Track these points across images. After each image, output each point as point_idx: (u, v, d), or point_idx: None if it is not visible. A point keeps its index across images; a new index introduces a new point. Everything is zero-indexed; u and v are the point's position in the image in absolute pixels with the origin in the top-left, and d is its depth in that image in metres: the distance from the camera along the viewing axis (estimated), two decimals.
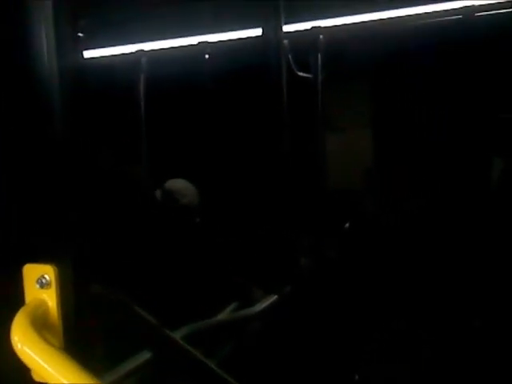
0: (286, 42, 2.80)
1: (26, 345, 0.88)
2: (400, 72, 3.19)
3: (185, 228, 2.84)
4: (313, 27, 3.20)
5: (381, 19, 3.13)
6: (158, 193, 2.94)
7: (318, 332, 2.56)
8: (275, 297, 2.31)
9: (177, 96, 3.52)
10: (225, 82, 3.34)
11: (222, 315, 2.08)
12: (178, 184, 2.97)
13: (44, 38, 0.97)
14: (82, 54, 2.65)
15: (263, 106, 2.68)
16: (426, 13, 3.04)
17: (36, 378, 0.94)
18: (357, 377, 2.68)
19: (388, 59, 3.12)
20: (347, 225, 3.28)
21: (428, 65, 3.11)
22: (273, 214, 2.69)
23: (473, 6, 3.01)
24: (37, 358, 0.87)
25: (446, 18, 3.01)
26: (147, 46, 3.72)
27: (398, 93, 3.28)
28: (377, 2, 3.08)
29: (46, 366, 0.86)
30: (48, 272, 0.94)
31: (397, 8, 3.07)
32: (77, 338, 0.95)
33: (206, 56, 3.51)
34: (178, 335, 1.57)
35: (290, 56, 2.91)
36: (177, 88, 3.44)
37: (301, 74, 3.04)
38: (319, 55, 3.05)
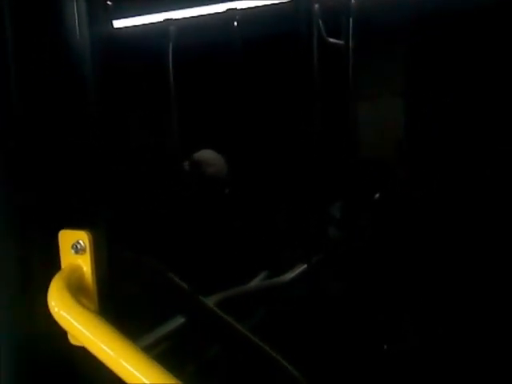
0: (316, 6, 2.73)
1: (63, 309, 0.89)
2: (436, 39, 3.08)
3: (214, 198, 2.85)
4: None
5: None
6: (186, 164, 2.95)
7: (347, 301, 2.56)
8: (305, 266, 2.32)
9: (206, 65, 3.49)
10: (254, 50, 3.29)
11: (253, 283, 2.10)
12: (205, 154, 2.98)
13: (75, 7, 0.96)
14: (111, 24, 2.64)
15: (293, 73, 2.63)
16: None
17: (73, 341, 0.95)
18: (385, 346, 2.68)
19: (423, 25, 3.01)
20: (377, 195, 3.24)
21: (465, 32, 3.00)
22: (303, 184, 2.67)
23: None
24: (73, 322, 0.88)
25: None
26: (175, 15, 3.68)
27: (433, 61, 3.18)
28: None
29: (82, 329, 0.88)
30: (83, 238, 0.95)
31: None
32: (111, 302, 0.96)
33: (235, 23, 3.45)
34: (210, 302, 1.58)
35: (320, 21, 2.84)
36: (206, 57, 3.41)
37: (332, 40, 2.97)
38: (351, 20, 2.97)
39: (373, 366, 2.32)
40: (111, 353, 0.86)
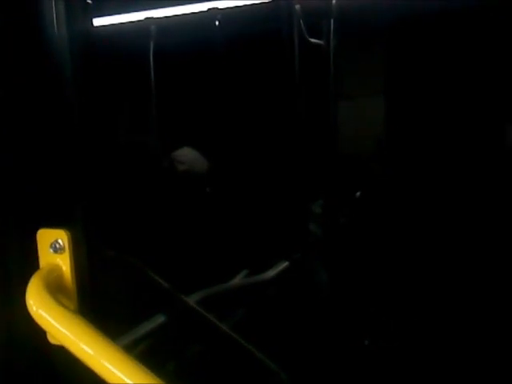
0: (297, 6, 2.74)
1: (42, 308, 0.89)
2: (415, 39, 3.12)
3: (195, 196, 2.84)
4: None
5: None
6: (166, 162, 2.94)
7: (328, 298, 2.58)
8: (286, 263, 2.33)
9: (187, 63, 3.48)
10: (236, 49, 3.30)
11: (234, 281, 2.10)
12: (184, 152, 2.97)
13: (53, 5, 0.96)
14: (91, 22, 2.62)
15: (274, 73, 2.64)
16: None
17: (51, 340, 0.95)
18: (367, 342, 2.70)
19: (403, 25, 3.05)
20: (358, 193, 3.27)
21: (443, 32, 3.03)
22: (285, 182, 2.69)
23: None
24: (52, 321, 0.88)
25: None
26: (156, 13, 3.66)
27: (412, 60, 3.22)
28: None
29: (61, 328, 0.88)
30: (61, 236, 0.95)
31: None
32: (91, 301, 0.96)
33: (217, 22, 3.45)
34: (191, 300, 1.58)
35: (301, 21, 2.85)
36: (187, 55, 3.41)
37: (313, 40, 2.98)
38: (332, 21, 2.99)
39: (354, 361, 2.35)
40: (91, 352, 0.86)
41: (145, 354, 1.28)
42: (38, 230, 0.96)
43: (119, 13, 3.70)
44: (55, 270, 0.96)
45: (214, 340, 1.47)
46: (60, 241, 0.96)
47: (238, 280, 2.09)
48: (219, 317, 1.55)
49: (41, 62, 0.97)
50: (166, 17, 3.64)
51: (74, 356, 0.86)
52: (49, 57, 0.97)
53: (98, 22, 3.54)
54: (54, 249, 0.96)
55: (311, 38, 3.02)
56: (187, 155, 2.92)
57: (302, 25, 2.90)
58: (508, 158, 3.04)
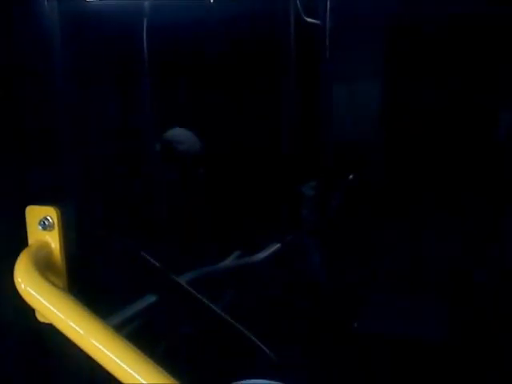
0: None
1: (30, 285, 0.87)
2: (415, 22, 3.08)
3: (187, 177, 2.82)
4: None
5: None
6: (157, 144, 2.90)
7: (319, 280, 2.59)
8: (278, 245, 2.32)
9: (181, 42, 3.43)
10: (230, 28, 3.25)
11: (226, 262, 2.10)
12: (175, 132, 2.92)
13: None
14: None
15: (269, 53, 2.61)
16: None
17: (40, 318, 0.94)
18: (356, 324, 2.72)
19: (404, 7, 3.01)
20: (351, 176, 3.26)
21: (448, 18, 3.00)
22: (276, 164, 2.67)
23: None
24: (40, 299, 0.87)
25: None
26: None
27: (410, 44, 3.18)
28: None
29: (49, 306, 0.86)
30: (51, 213, 0.93)
31: None
32: (80, 279, 0.95)
33: (211, 0, 3.40)
34: (182, 280, 1.58)
35: (297, 0, 2.81)
36: (180, 33, 3.35)
37: (309, 19, 2.94)
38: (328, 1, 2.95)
39: (343, 344, 2.36)
40: (80, 331, 0.84)
41: (135, 333, 1.27)
42: (26, 206, 0.94)
43: None
44: (44, 247, 0.94)
45: (206, 321, 1.47)
46: (49, 218, 0.94)
47: (229, 261, 2.09)
48: (211, 298, 1.55)
49: (31, 36, 0.94)
50: None
51: (64, 335, 0.85)
52: (39, 30, 0.95)
53: None
54: (43, 226, 0.94)
55: (307, 17, 2.98)
56: (186, 134, 2.88)
57: (298, 3, 2.86)
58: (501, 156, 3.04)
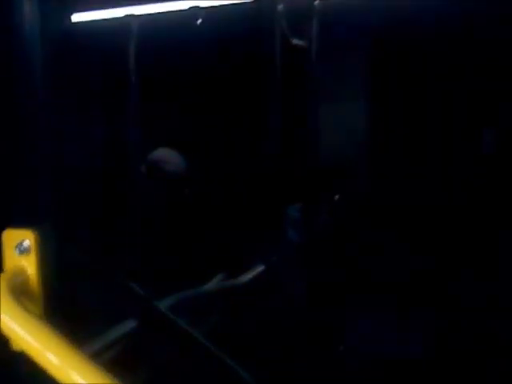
0: (280, 7, 2.72)
1: (5, 312, 0.85)
2: (398, 41, 3.12)
3: (173, 199, 2.80)
4: None
5: None
6: (143, 166, 2.88)
7: (304, 303, 2.56)
8: (262, 267, 2.30)
9: (168, 62, 3.44)
10: (217, 49, 3.27)
11: (209, 285, 2.07)
12: (161, 153, 2.91)
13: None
14: (69, 17, 2.56)
15: (256, 73, 2.62)
16: None
17: (15, 347, 0.91)
18: (342, 347, 2.69)
19: (386, 30, 3.05)
20: (337, 197, 3.26)
21: (428, 40, 3.05)
22: (262, 185, 2.66)
23: None
24: (16, 327, 0.84)
25: None
26: (137, 10, 3.62)
27: (394, 66, 3.22)
28: None
29: (25, 335, 0.84)
30: (28, 237, 0.91)
31: None
32: (57, 305, 0.92)
33: (198, 21, 3.42)
34: (163, 305, 1.55)
35: (284, 22, 2.84)
36: (168, 54, 3.36)
37: (295, 41, 2.97)
38: (314, 22, 2.98)
39: (328, 367, 2.34)
40: (56, 361, 0.82)
41: (114, 360, 1.24)
42: (2, 230, 0.92)
43: (100, 8, 3.64)
44: (20, 273, 0.91)
45: (187, 347, 1.44)
46: (26, 242, 0.91)
47: (212, 284, 2.06)
48: (193, 322, 1.52)
49: (12, 57, 0.92)
50: (148, 14, 3.60)
51: (39, 364, 0.82)
52: (21, 48, 0.93)
53: (77, 17, 3.48)
54: (20, 250, 0.91)
55: (294, 39, 3.01)
56: (171, 155, 2.87)
57: (285, 26, 2.88)
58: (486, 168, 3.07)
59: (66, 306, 0.94)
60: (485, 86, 2.99)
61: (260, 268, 2.29)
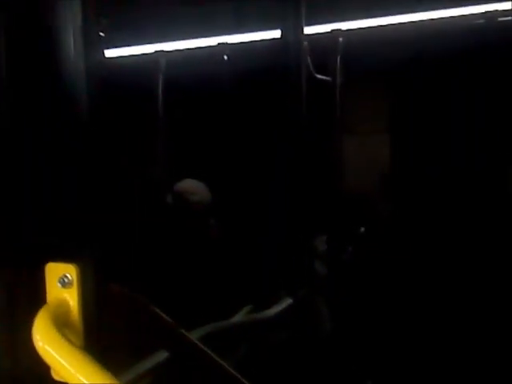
0: (305, 44, 2.79)
1: (48, 343, 0.88)
2: (420, 77, 3.17)
3: (199, 229, 2.83)
4: (333, 30, 3.19)
5: (402, 23, 3.11)
6: (169, 196, 2.92)
7: (333, 337, 2.55)
8: (290, 300, 2.31)
9: (195, 97, 3.53)
10: (244, 84, 3.34)
11: (237, 317, 2.08)
12: (186, 183, 2.95)
13: (72, 37, 0.97)
14: (103, 54, 2.66)
15: (282, 109, 2.68)
16: (449, 17, 3.02)
17: (56, 376, 0.94)
18: (370, 382, 2.66)
19: (408, 64, 3.10)
20: (363, 229, 3.26)
21: (447, 70, 3.08)
22: (289, 217, 2.68)
23: (496, 10, 2.99)
24: (57, 357, 0.87)
25: (469, 21, 2.98)
26: (166, 47, 3.74)
27: (416, 98, 3.26)
28: (398, 5, 3.07)
29: (66, 364, 0.87)
30: (70, 271, 0.95)
31: (418, 11, 3.05)
32: (97, 337, 0.95)
33: (225, 57, 3.51)
34: (194, 336, 1.57)
35: (309, 58, 2.90)
36: (195, 89, 3.45)
37: (320, 76, 3.03)
38: (338, 58, 3.04)
39: None
40: None
41: None
42: (46, 263, 0.96)
43: (129, 45, 3.77)
44: (62, 305, 0.95)
45: (217, 378, 1.46)
46: (68, 275, 0.95)
47: (240, 316, 2.07)
48: (222, 354, 1.54)
49: (58, 92, 0.98)
50: (176, 50, 3.71)
51: None
52: (65, 88, 0.98)
53: (109, 53, 3.61)
54: (62, 283, 0.95)
55: (318, 74, 3.07)
56: (197, 186, 2.91)
57: (310, 61, 2.94)
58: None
59: (104, 337, 0.97)
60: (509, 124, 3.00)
61: (288, 301, 2.29)
